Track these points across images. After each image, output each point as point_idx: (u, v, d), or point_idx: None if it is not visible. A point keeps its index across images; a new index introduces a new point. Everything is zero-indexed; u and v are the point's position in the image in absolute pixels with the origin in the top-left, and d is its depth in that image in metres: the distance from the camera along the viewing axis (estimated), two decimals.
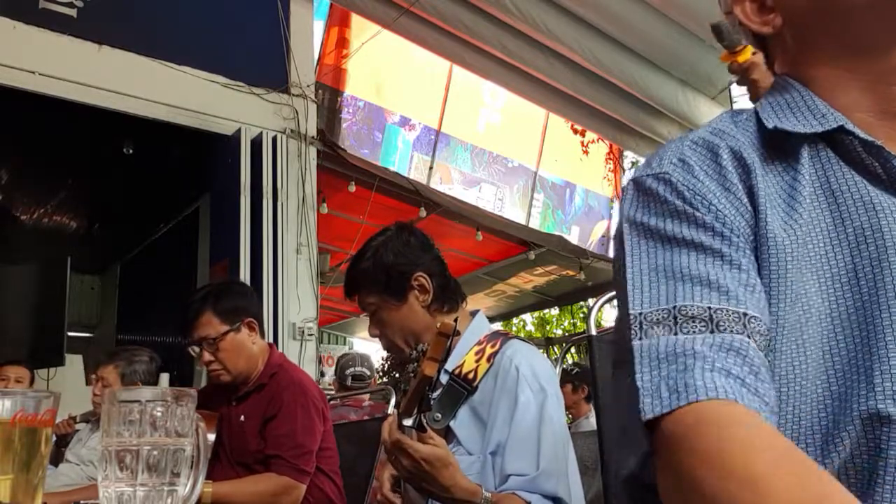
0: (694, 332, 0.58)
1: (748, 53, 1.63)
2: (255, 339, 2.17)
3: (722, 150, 0.66)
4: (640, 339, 0.60)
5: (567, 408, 4.50)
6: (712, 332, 0.57)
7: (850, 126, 0.64)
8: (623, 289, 0.65)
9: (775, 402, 0.57)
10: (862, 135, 0.63)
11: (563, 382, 4.45)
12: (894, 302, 0.57)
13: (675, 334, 0.58)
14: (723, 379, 0.55)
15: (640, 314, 0.61)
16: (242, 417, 2.12)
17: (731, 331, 0.57)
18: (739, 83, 1.67)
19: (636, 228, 0.66)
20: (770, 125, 0.67)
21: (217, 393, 2.21)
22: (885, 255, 0.59)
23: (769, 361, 0.60)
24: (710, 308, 0.59)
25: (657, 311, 0.60)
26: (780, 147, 0.67)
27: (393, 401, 2.66)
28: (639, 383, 0.57)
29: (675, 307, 0.59)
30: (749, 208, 0.64)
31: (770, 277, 0.62)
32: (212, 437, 2.10)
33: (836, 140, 0.65)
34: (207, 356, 2.10)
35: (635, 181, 0.69)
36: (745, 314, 0.58)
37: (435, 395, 1.39)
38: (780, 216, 0.64)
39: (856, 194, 0.63)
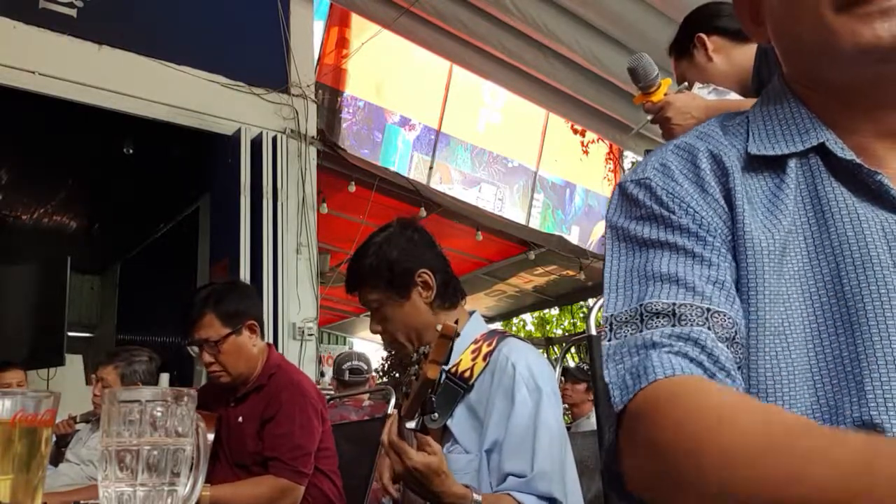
0: (657, 326, 0.60)
1: (661, 94, 1.67)
2: (256, 340, 2.17)
3: (700, 154, 0.68)
4: (610, 339, 0.63)
5: (574, 405, 4.49)
6: (674, 325, 0.59)
7: (829, 144, 0.65)
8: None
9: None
10: (840, 154, 0.64)
11: (576, 381, 4.44)
12: (880, 310, 0.57)
13: (641, 331, 0.61)
14: (679, 360, 0.57)
15: (612, 316, 0.64)
16: (241, 419, 2.12)
17: (692, 323, 0.59)
18: (653, 122, 1.69)
19: (616, 233, 0.69)
20: (752, 151, 0.68)
21: (216, 394, 2.21)
22: (868, 263, 0.59)
23: (746, 358, 0.61)
24: (674, 304, 0.60)
25: (626, 311, 0.63)
26: (767, 154, 0.68)
27: (393, 401, 2.66)
28: (607, 378, 0.60)
29: (641, 305, 0.62)
30: (726, 209, 0.65)
31: (748, 277, 0.63)
32: (211, 437, 2.10)
33: (826, 150, 0.66)
34: (208, 357, 2.10)
35: (620, 186, 0.71)
36: (708, 309, 0.60)
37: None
38: (759, 218, 0.65)
39: (841, 203, 0.63)
